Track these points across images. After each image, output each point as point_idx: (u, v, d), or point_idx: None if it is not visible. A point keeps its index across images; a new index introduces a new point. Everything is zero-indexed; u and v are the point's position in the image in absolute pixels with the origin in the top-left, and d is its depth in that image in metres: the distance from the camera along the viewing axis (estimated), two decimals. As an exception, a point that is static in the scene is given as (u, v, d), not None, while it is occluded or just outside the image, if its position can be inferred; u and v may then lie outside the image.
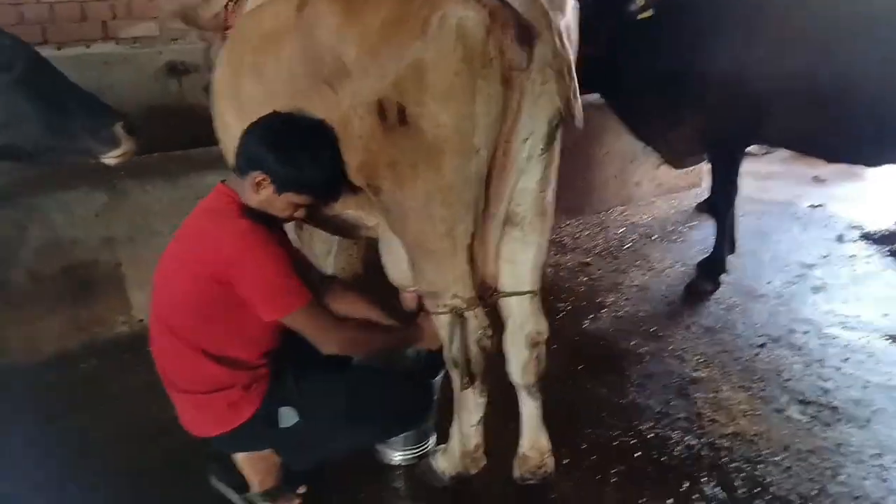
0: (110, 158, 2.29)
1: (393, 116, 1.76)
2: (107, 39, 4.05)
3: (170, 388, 2.10)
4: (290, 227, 2.86)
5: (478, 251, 2.04)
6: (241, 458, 2.25)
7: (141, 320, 3.39)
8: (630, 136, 4.34)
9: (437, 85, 1.70)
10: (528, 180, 1.99)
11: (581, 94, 1.97)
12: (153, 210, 3.29)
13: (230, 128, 2.27)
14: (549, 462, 2.36)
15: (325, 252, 3.45)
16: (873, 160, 3.59)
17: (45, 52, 3.86)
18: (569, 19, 1.84)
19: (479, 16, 1.64)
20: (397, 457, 2.50)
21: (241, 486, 2.28)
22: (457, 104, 1.72)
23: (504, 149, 1.87)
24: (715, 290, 3.84)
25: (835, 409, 2.82)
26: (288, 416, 2.09)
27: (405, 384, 2.27)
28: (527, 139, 1.89)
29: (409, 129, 1.76)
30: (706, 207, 4.75)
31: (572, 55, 1.90)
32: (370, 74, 1.74)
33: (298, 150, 1.86)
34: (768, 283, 3.98)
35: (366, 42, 1.73)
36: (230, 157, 2.10)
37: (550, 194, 2.09)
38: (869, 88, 3.07)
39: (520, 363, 2.23)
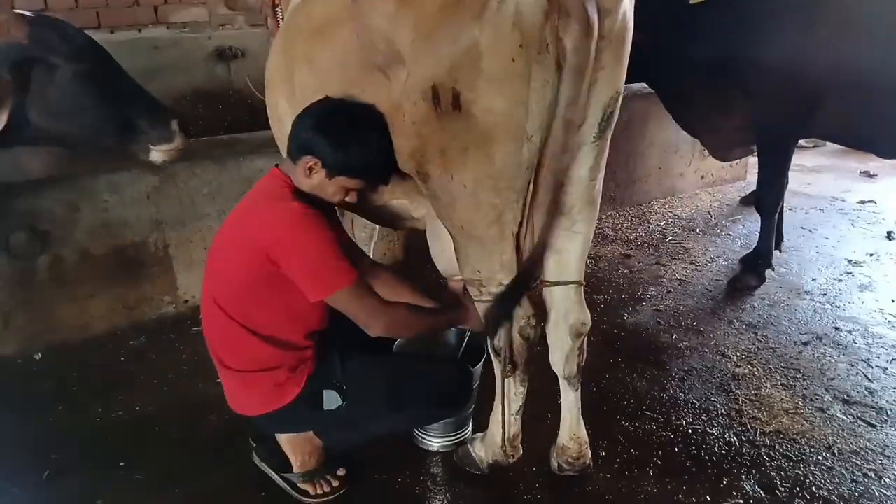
0: (160, 152, 2.37)
1: (447, 102, 1.75)
2: (158, 24, 4.12)
3: (219, 366, 2.16)
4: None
5: (524, 240, 2.03)
6: (283, 439, 2.30)
7: (186, 301, 3.48)
8: (674, 127, 4.29)
9: (493, 70, 1.68)
10: (579, 168, 1.97)
11: (626, 82, 1.95)
12: (201, 193, 3.36)
13: (284, 117, 2.30)
14: (587, 454, 2.36)
15: (367, 238, 3.49)
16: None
17: (98, 36, 3.97)
18: (626, 4, 1.82)
19: (537, 0, 1.63)
20: (436, 443, 2.52)
21: (283, 465, 2.32)
22: (511, 90, 1.71)
23: (555, 136, 1.85)
24: (759, 286, 3.79)
25: (880, 409, 2.76)
26: (332, 399, 2.13)
27: (448, 371, 2.29)
28: (580, 126, 1.87)
29: (462, 114, 1.76)
30: (751, 201, 4.68)
31: (628, 42, 1.88)
32: (425, 60, 1.74)
33: (348, 134, 1.90)
34: (813, 279, 3.91)
35: (422, 27, 1.73)
36: (284, 147, 2.13)
37: (599, 183, 2.08)
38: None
39: (563, 354, 2.23)
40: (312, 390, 2.12)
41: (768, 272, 3.83)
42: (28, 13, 2.19)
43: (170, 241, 3.39)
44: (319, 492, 2.29)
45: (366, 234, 3.50)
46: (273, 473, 2.34)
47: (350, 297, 1.97)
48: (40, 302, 3.15)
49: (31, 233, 3.03)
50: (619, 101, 1.94)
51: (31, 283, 3.11)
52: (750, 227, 4.49)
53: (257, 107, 4.33)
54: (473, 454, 2.39)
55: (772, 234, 3.80)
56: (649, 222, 4.79)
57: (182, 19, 4.19)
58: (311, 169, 1.96)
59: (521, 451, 2.35)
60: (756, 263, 3.82)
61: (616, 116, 1.96)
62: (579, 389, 2.31)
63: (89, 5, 3.91)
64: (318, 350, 2.18)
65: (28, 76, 2.11)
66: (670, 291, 3.81)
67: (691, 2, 3.34)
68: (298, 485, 2.30)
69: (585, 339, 2.24)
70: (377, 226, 3.21)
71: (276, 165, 2.08)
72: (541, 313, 2.16)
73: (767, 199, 3.70)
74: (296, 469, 2.30)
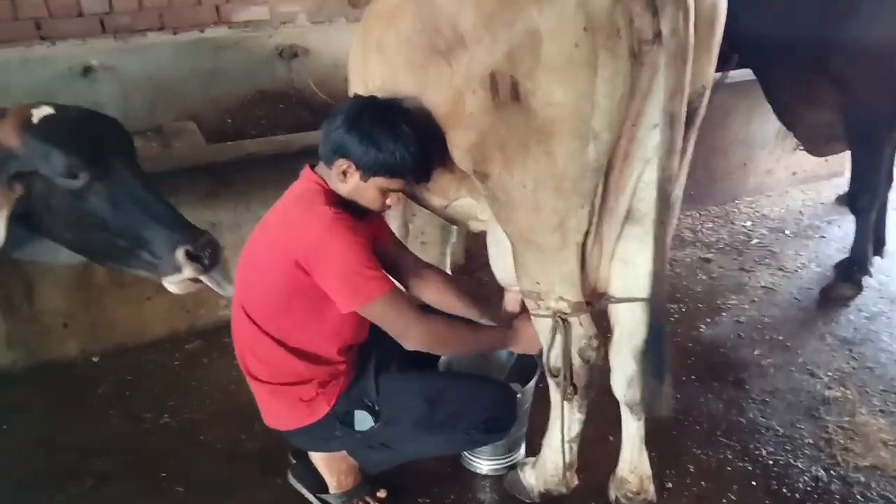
0: (172, 283, 2.07)
1: (505, 91, 1.61)
2: (219, 23, 4.12)
3: (247, 377, 2.08)
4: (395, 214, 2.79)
5: (591, 250, 1.85)
6: (317, 458, 2.22)
7: (242, 304, 3.44)
8: (761, 121, 3.98)
9: (553, 57, 1.52)
10: (658, 171, 1.73)
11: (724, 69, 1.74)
12: (256, 196, 3.30)
13: None
14: (650, 488, 2.15)
15: (440, 240, 3.35)
16: None
17: (163, 37, 4.02)
18: None
19: None
20: (485, 465, 2.38)
21: (320, 486, 2.23)
22: (574, 80, 1.54)
23: (630, 135, 1.66)
24: (855, 296, 3.44)
25: None
26: (363, 420, 2.03)
27: (490, 394, 2.11)
28: (657, 125, 1.64)
29: (521, 106, 1.61)
30: (847, 200, 4.27)
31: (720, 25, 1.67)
32: (485, 44, 1.60)
33: (377, 129, 1.80)
34: (921, 290, 3.52)
35: (483, 8, 1.60)
36: None
37: (680, 188, 1.84)
38: None
39: (625, 377, 2.03)
40: (344, 409, 2.02)
41: (866, 280, 3.47)
42: (37, 115, 1.95)
43: (226, 243, 3.34)
44: (358, 514, 2.18)
45: (441, 235, 3.38)
46: (309, 495, 2.25)
47: (383, 308, 1.85)
48: (99, 305, 3.17)
49: (88, 236, 3.04)
50: (707, 96, 1.74)
51: (89, 285, 3.13)
52: (847, 228, 4.09)
53: (318, 107, 4.30)
54: (524, 481, 2.23)
55: (868, 237, 3.44)
56: (733, 223, 4.44)
57: (244, 18, 4.18)
58: (345, 173, 1.86)
59: (576, 482, 2.17)
60: (851, 270, 3.47)
61: (702, 112, 1.76)
62: (643, 418, 2.09)
63: (153, 7, 3.94)
64: (354, 366, 2.07)
65: (28, 185, 1.94)
66: (754, 301, 3.50)
67: None
68: (335, 506, 2.20)
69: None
70: (454, 227, 3.07)
71: (310, 167, 1.97)
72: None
73: (861, 198, 3.33)
74: (332, 490, 2.21)
